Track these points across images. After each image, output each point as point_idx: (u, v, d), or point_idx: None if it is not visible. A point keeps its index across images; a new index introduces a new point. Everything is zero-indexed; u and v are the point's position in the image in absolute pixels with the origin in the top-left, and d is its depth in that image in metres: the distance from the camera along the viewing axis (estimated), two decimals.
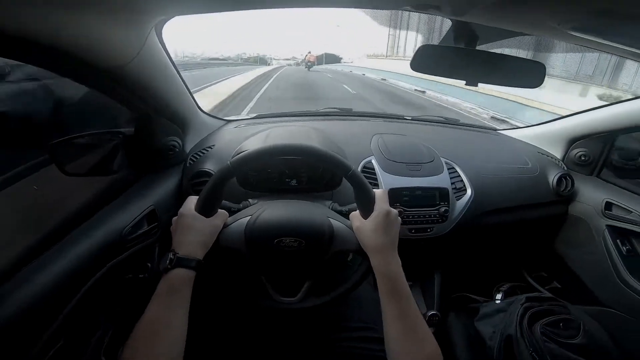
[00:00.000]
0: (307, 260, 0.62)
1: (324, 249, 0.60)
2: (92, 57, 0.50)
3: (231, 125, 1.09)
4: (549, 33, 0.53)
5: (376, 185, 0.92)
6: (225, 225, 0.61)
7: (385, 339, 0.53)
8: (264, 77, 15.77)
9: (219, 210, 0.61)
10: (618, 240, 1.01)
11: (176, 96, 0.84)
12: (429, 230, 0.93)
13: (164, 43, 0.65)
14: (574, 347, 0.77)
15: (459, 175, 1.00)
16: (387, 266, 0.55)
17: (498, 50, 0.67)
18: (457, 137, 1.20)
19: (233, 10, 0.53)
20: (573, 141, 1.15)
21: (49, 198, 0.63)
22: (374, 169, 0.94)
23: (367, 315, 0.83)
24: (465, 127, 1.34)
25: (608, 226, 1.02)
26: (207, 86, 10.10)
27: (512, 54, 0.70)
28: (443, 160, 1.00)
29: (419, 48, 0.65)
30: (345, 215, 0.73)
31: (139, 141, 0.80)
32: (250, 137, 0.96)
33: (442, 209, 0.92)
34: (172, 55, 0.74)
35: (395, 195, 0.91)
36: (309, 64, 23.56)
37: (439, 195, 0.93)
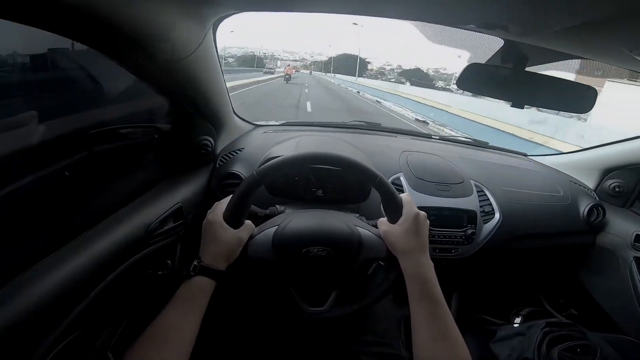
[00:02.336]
0: (335, 269, 0.61)
1: (352, 258, 0.59)
2: (152, 47, 0.49)
3: (260, 130, 1.10)
4: (614, 59, 0.51)
5: None
6: (252, 237, 0.60)
7: (412, 347, 0.50)
8: None
9: (246, 221, 0.61)
10: None
11: (217, 96, 0.84)
12: (453, 251, 0.92)
13: (216, 42, 0.65)
14: None
15: (488, 199, 0.98)
16: (418, 269, 0.54)
17: (547, 72, 0.65)
18: (487, 160, 1.18)
19: (294, 11, 0.53)
20: (608, 171, 1.12)
21: (79, 187, 0.63)
22: (402, 186, 0.93)
23: (383, 330, 0.81)
24: (494, 150, 1.31)
25: (636, 258, 1.01)
26: None
27: (560, 76, 0.67)
28: (473, 182, 0.98)
29: (467, 66, 0.63)
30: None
31: (174, 138, 0.80)
32: (279, 144, 0.95)
33: (469, 232, 0.91)
34: None
35: None
36: (286, 76, 24.88)
37: (467, 218, 0.92)
